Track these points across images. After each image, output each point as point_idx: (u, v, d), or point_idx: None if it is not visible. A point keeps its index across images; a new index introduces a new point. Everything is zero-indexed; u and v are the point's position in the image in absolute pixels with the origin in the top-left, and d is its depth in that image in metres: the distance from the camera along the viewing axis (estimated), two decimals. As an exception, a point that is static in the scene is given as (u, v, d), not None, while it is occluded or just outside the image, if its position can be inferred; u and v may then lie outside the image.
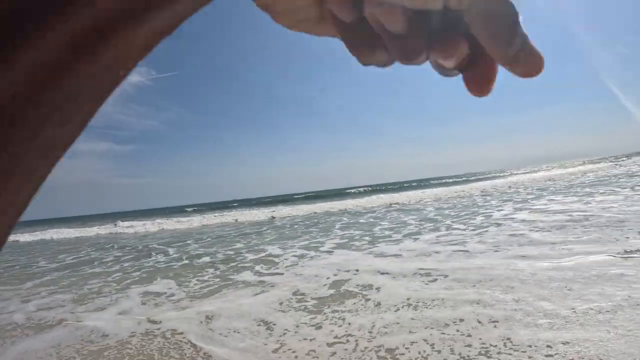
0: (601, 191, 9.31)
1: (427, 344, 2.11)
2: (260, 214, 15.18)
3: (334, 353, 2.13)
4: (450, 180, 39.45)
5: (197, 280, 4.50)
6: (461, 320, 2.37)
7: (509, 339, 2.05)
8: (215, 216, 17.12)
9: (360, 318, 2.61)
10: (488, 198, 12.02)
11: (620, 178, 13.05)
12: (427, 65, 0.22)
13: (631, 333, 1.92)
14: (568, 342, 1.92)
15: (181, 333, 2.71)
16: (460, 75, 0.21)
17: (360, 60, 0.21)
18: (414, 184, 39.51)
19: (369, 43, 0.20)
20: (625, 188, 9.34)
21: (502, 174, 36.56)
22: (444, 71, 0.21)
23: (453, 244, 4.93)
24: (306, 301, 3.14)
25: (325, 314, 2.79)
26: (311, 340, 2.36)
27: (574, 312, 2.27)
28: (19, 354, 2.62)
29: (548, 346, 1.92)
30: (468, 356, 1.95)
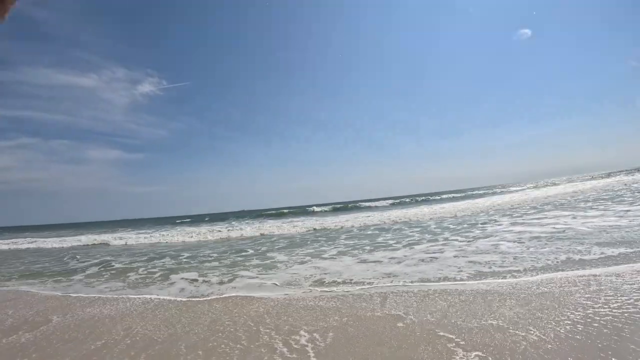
0: (601, 207, 10.48)
1: (381, 287, 3.64)
2: (269, 225, 16.77)
3: (322, 294, 3.67)
4: (461, 194, 40.31)
5: (218, 272, 6.08)
6: (411, 281, 3.88)
7: (436, 291, 3.54)
8: (224, 226, 18.71)
9: (339, 286, 4.14)
10: (492, 212, 13.27)
11: (626, 192, 14.07)
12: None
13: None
14: (469, 289, 3.39)
15: (221, 289, 4.34)
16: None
17: None
18: (424, 198, 40.48)
19: None
20: (622, 204, 10.49)
21: (513, 189, 37.01)
22: None
23: (433, 253, 6.37)
24: (299, 283, 4.68)
25: (313, 286, 4.35)
26: (307, 296, 3.90)
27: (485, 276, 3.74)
28: (125, 309, 4.25)
29: (457, 289, 3.41)
30: (413, 293, 3.48)
